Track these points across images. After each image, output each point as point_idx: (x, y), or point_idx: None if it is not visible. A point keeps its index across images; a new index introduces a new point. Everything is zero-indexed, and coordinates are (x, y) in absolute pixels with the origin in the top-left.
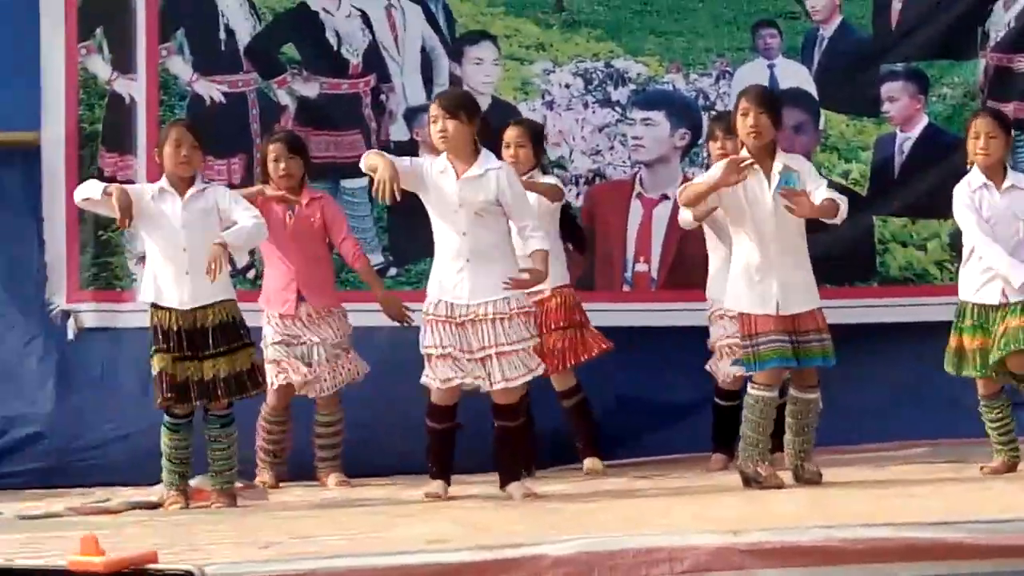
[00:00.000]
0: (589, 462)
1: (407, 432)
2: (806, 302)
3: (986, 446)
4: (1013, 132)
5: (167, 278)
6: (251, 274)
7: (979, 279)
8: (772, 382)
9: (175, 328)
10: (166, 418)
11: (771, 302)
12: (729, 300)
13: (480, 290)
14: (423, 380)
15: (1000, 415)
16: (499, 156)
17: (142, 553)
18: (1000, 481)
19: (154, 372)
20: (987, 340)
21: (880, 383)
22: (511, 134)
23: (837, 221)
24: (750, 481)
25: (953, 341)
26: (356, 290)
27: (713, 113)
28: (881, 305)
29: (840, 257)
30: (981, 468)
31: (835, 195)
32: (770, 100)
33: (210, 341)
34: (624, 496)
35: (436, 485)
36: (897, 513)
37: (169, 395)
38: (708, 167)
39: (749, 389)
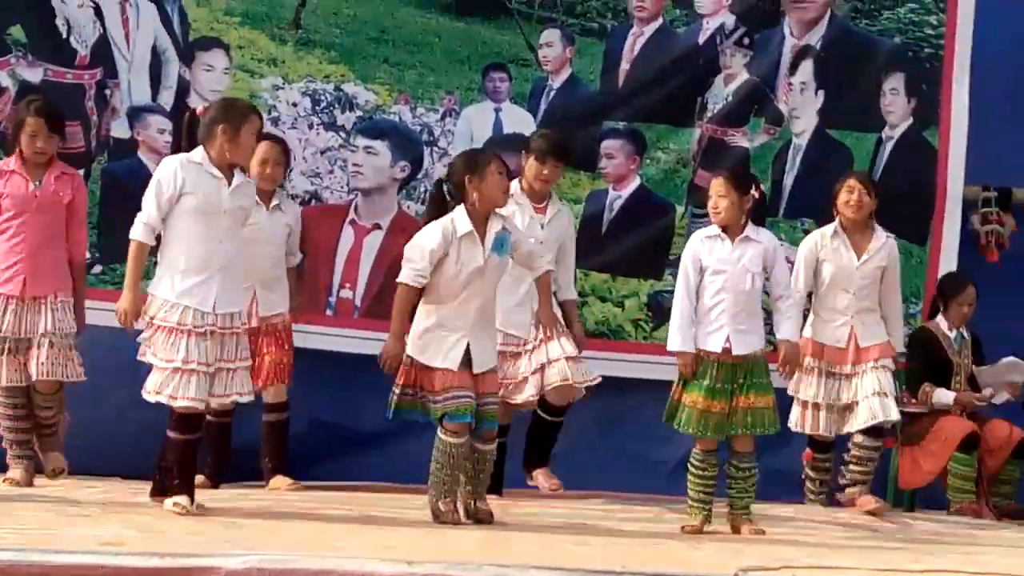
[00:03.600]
0: (277, 480)
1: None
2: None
3: (660, 503)
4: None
5: None
6: None
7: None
8: (461, 431)
9: None
10: None
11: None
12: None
13: None
14: None
15: (713, 473)
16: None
17: None
18: (676, 540)
19: None
20: (710, 400)
21: (564, 433)
22: (271, 151)
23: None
24: (436, 516)
25: (685, 397)
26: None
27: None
28: None
29: None
30: (682, 528)
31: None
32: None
33: None
34: (306, 518)
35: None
36: (569, 558)
37: None
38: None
39: (440, 435)
